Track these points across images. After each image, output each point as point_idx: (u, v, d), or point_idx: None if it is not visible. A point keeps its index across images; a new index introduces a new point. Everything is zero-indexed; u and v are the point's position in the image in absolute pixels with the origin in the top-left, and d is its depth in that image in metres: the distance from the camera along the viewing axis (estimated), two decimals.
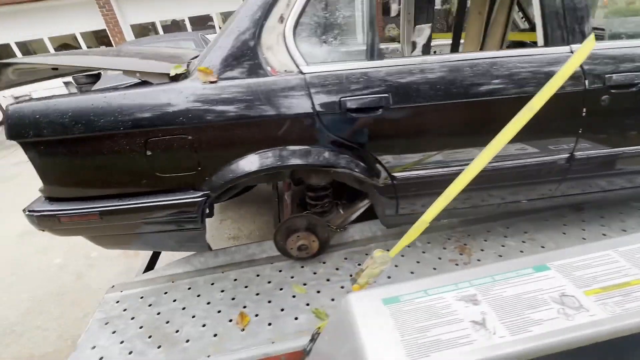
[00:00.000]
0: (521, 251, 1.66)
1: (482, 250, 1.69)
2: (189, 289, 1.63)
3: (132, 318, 1.50)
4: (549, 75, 1.18)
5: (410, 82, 1.18)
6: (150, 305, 1.56)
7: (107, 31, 8.32)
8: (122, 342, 1.39)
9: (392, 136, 1.25)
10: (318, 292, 1.53)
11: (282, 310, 1.46)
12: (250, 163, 1.21)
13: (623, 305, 0.87)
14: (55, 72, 1.49)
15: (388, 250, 1.16)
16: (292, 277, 1.64)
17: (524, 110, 1.15)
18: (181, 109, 1.15)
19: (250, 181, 1.47)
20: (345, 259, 1.72)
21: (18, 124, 1.14)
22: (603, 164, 1.40)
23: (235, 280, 1.66)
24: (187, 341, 1.36)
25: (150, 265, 1.99)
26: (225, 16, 9.20)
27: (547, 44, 1.24)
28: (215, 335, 1.38)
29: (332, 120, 1.19)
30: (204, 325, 1.42)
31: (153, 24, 8.80)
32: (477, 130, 1.25)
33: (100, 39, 8.85)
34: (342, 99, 1.17)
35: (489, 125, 1.17)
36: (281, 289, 1.57)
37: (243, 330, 1.39)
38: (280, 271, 1.69)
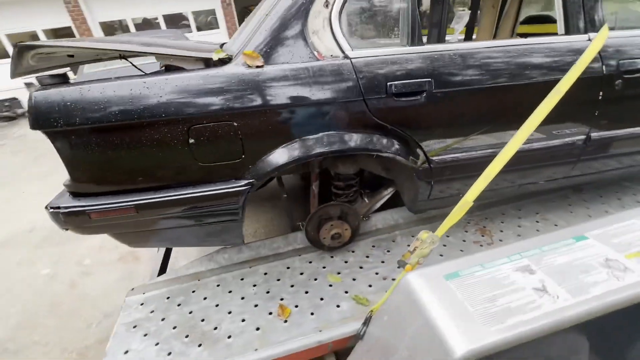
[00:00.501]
0: (537, 230, 1.76)
1: (501, 231, 1.78)
2: (218, 285, 1.58)
3: (163, 319, 1.42)
4: (572, 61, 1.28)
5: (451, 67, 1.22)
6: (179, 305, 1.49)
7: (73, 28, 7.79)
8: (157, 344, 1.31)
9: (433, 120, 1.29)
10: (353, 279, 1.54)
11: (322, 299, 1.45)
12: (297, 149, 1.20)
13: None
14: (71, 59, 1.38)
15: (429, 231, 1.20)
16: (324, 268, 1.63)
17: (552, 93, 1.23)
18: (227, 94, 1.11)
19: (291, 170, 1.45)
20: (373, 246, 1.74)
21: (46, 112, 1.05)
22: (615, 145, 1.53)
23: (266, 274, 1.62)
24: (229, 337, 1.31)
25: (163, 267, 1.89)
26: (198, 15, 8.96)
27: (567, 32, 1.34)
28: (257, 329, 1.34)
29: (378, 105, 1.20)
30: (243, 320, 1.38)
31: (121, 22, 8.35)
32: (510, 113, 1.32)
33: (64, 37, 8.27)
34: (387, 83, 1.18)
35: (521, 108, 1.24)
36: (315, 279, 1.56)
37: (286, 321, 1.36)
38: (310, 262, 1.67)
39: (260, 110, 1.14)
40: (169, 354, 1.27)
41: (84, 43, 1.20)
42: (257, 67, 1.13)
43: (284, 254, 1.74)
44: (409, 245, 1.71)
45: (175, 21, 9.01)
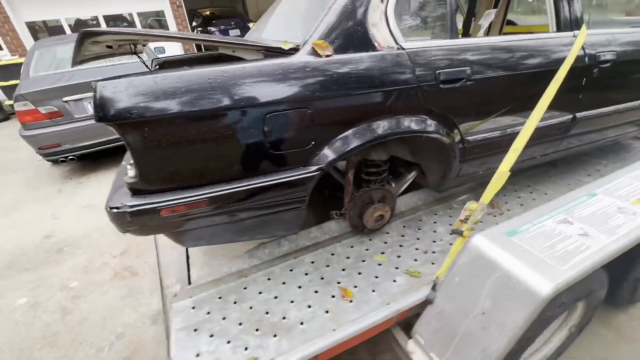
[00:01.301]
0: (533, 199, 2.06)
1: (506, 202, 2.05)
2: (269, 279, 1.57)
3: (224, 318, 1.38)
4: (565, 53, 1.56)
5: (485, 57, 1.41)
6: (235, 302, 1.45)
7: None
8: (229, 342, 1.27)
9: (468, 103, 1.46)
10: (398, 257, 1.65)
11: (377, 277, 1.53)
12: (363, 134, 1.27)
13: None
14: (110, 50, 1.27)
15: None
16: (367, 250, 1.71)
17: (554, 80, 1.50)
18: (302, 82, 1.14)
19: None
20: (404, 226, 1.87)
21: (116, 103, 0.98)
22: (592, 123, 1.88)
23: (313, 262, 1.65)
24: (302, 323, 1.33)
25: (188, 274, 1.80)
26: (144, 16, 8.38)
27: (558, 30, 1.63)
28: (326, 312, 1.37)
29: (429, 91, 1.34)
30: (309, 307, 1.40)
31: (45, 22, 7.42)
32: (527, 96, 1.55)
33: None
34: (437, 71, 1.33)
35: (533, 91, 1.48)
36: (364, 261, 1.64)
37: (351, 301, 1.42)
38: (352, 247, 1.74)
39: (331, 97, 1.19)
40: (246, 349, 1.25)
41: (151, 31, 1.14)
42: (327, 56, 1.19)
43: (323, 243, 1.78)
44: (435, 223, 1.88)
45: (118, 22, 8.31)
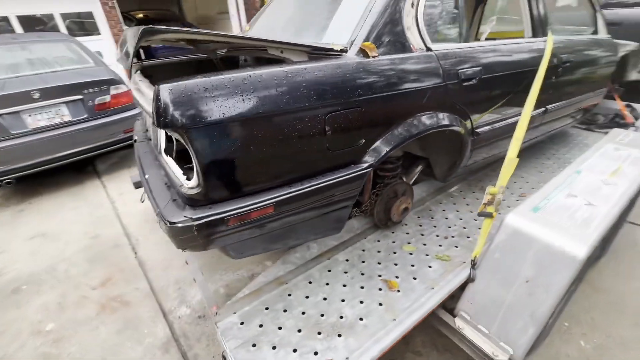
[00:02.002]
0: (514, 182, 2.36)
1: (493, 186, 2.31)
2: (310, 282, 1.55)
3: (280, 328, 1.33)
4: (541, 55, 1.85)
5: (493, 58, 1.61)
6: (285, 310, 1.41)
7: None
8: (295, 351, 1.24)
9: (480, 99, 1.64)
10: (424, 244, 1.76)
11: (413, 266, 1.62)
12: (406, 131, 1.35)
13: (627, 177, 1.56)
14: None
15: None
16: (393, 242, 1.79)
17: (537, 78, 1.77)
18: (358, 82, 1.18)
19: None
20: (418, 217, 2.00)
21: (185, 107, 0.91)
22: (556, 113, 2.24)
23: (347, 260, 1.68)
24: (361, 319, 1.35)
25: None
26: (68, 17, 7.40)
27: (535, 35, 1.92)
28: (380, 304, 1.41)
29: (453, 88, 1.47)
30: (361, 302, 1.43)
31: None
32: (521, 90, 1.78)
33: None
34: (459, 71, 1.47)
35: (525, 85, 1.73)
36: (395, 253, 1.71)
37: (399, 291, 1.48)
38: (378, 241, 1.81)
39: (380, 96, 1.25)
40: (316, 353, 1.22)
41: (214, 33, 1.06)
42: (374, 56, 1.24)
43: (349, 241, 1.82)
44: (444, 211, 2.05)
45: (32, 24, 7.20)
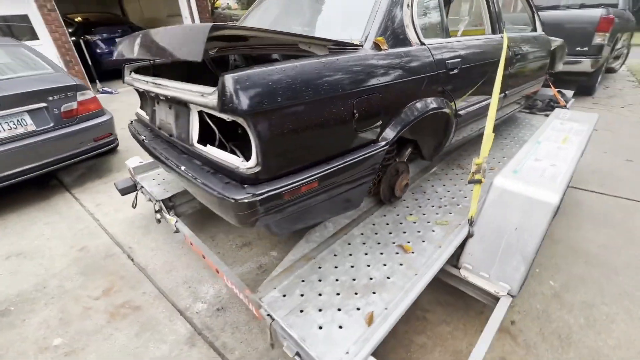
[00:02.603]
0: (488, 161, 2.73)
1: (468, 164, 2.67)
2: (335, 255, 1.72)
3: (320, 294, 1.48)
4: (501, 48, 2.23)
5: (468, 50, 1.91)
6: (320, 280, 1.56)
7: None
8: (339, 310, 1.40)
9: (460, 85, 1.94)
10: (424, 214, 2.02)
11: (419, 232, 1.87)
12: (412, 112, 1.58)
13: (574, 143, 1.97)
14: None
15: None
16: (397, 215, 2.03)
17: (499, 68, 2.14)
18: (377, 71, 1.38)
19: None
20: (412, 193, 2.26)
21: (250, 95, 1.04)
22: (511, 98, 2.66)
23: (362, 234, 1.87)
24: (388, 278, 1.55)
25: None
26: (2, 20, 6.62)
27: (493, 32, 2.29)
28: (401, 264, 1.63)
29: (443, 76, 1.74)
30: (384, 265, 1.63)
31: None
32: (490, 78, 2.13)
33: None
34: (446, 61, 1.74)
35: (494, 74, 2.08)
36: (401, 223, 1.95)
37: (413, 252, 1.71)
38: (384, 215, 2.03)
39: (393, 83, 1.46)
40: (358, 309, 1.40)
41: (269, 30, 1.17)
42: (384, 49, 1.45)
43: (359, 219, 2.01)
44: (433, 186, 2.33)
45: None
